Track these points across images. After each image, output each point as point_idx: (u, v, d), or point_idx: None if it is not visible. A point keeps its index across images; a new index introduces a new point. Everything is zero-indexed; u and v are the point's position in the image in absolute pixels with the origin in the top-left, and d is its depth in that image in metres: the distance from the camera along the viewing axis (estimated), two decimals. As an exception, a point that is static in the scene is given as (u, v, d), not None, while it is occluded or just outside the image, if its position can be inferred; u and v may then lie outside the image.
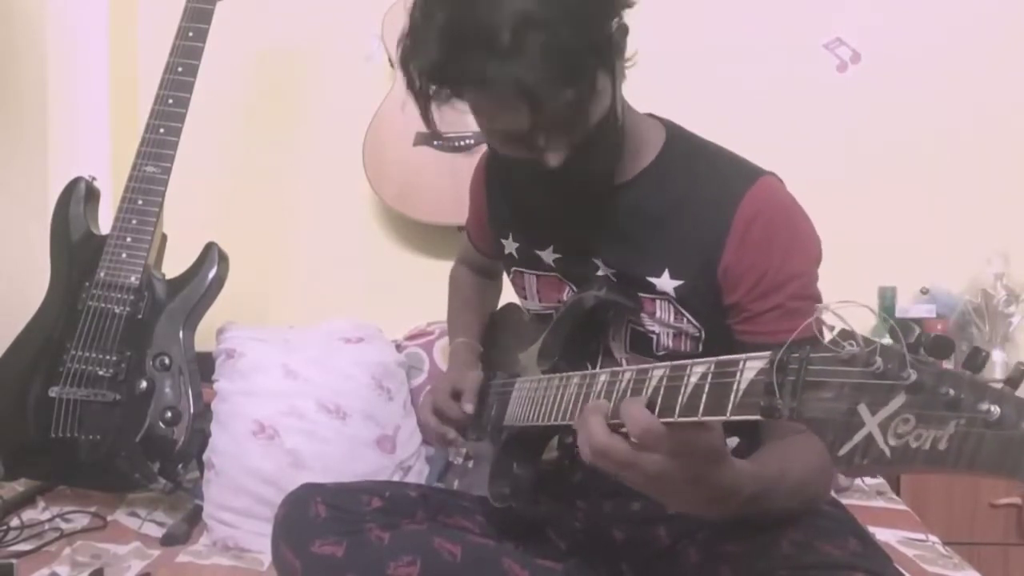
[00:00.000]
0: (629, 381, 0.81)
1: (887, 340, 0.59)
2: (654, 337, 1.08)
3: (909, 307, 2.04)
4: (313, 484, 1.19)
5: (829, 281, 1.06)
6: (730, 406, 0.69)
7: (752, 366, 0.68)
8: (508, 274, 1.27)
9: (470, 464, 1.29)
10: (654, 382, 0.78)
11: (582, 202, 1.09)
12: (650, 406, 0.76)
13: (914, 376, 0.55)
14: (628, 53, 0.99)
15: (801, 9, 2.16)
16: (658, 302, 1.06)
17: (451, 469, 1.35)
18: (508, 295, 1.39)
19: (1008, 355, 2.01)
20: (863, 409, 0.58)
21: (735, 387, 0.69)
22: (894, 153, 2.12)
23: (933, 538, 1.56)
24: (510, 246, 1.22)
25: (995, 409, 0.51)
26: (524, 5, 0.86)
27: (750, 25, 2.15)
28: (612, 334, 1.12)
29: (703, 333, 1.06)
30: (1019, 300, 2.01)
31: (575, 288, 1.15)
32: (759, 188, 1.01)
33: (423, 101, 0.95)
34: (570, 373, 0.96)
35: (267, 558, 1.33)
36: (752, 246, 1.00)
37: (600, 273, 1.10)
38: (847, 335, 0.60)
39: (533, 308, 1.23)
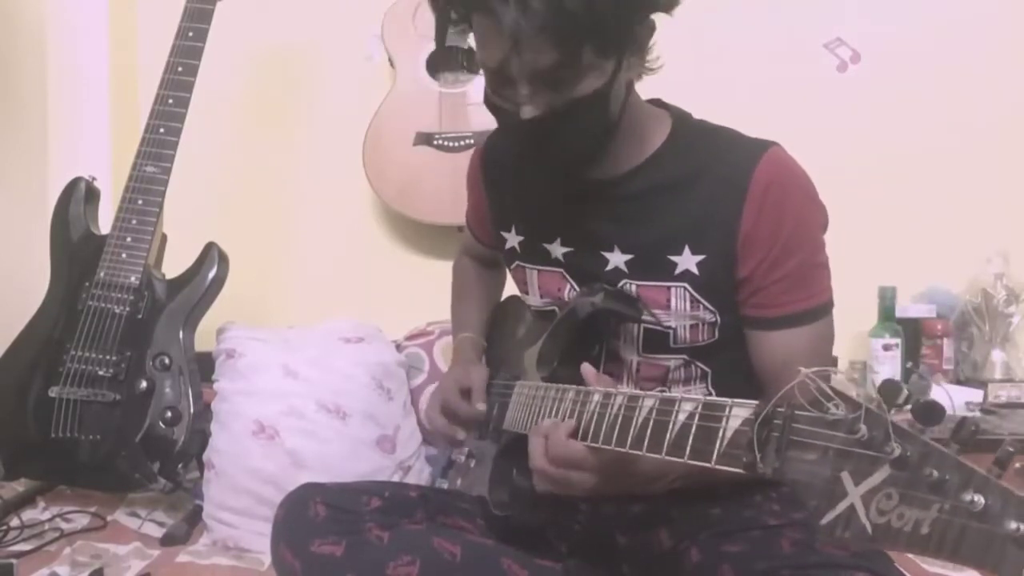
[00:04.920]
0: (620, 407, 0.83)
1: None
2: (670, 332, 1.08)
3: (909, 307, 2.04)
4: (313, 484, 1.18)
5: (829, 281, 1.06)
6: (715, 455, 0.69)
7: (738, 413, 0.68)
8: (509, 268, 1.26)
9: (472, 463, 1.29)
10: (644, 413, 0.79)
11: (589, 192, 1.09)
12: (581, 435, 0.87)
13: (897, 451, 0.54)
14: (655, 62, 1.02)
15: (801, 9, 2.16)
16: (674, 290, 1.06)
17: (454, 467, 1.34)
18: (512, 287, 1.39)
19: (1008, 355, 2.01)
20: (846, 477, 0.57)
21: (720, 435, 0.69)
22: (894, 153, 2.12)
23: (933, 538, 1.56)
24: (512, 239, 1.21)
25: (979, 499, 0.50)
26: None
27: (750, 25, 2.15)
28: (623, 336, 1.11)
29: (719, 317, 1.06)
30: (1019, 300, 2.01)
31: (576, 286, 1.14)
32: (770, 156, 1.02)
33: (439, 16, 0.98)
34: (566, 386, 0.96)
35: (267, 558, 1.33)
36: (769, 212, 1.00)
37: (610, 267, 1.09)
38: (831, 396, 0.59)
39: (534, 304, 1.22)
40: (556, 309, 1.16)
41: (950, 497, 0.51)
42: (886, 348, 1.93)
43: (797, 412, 0.61)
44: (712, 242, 1.03)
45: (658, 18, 0.99)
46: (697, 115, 1.12)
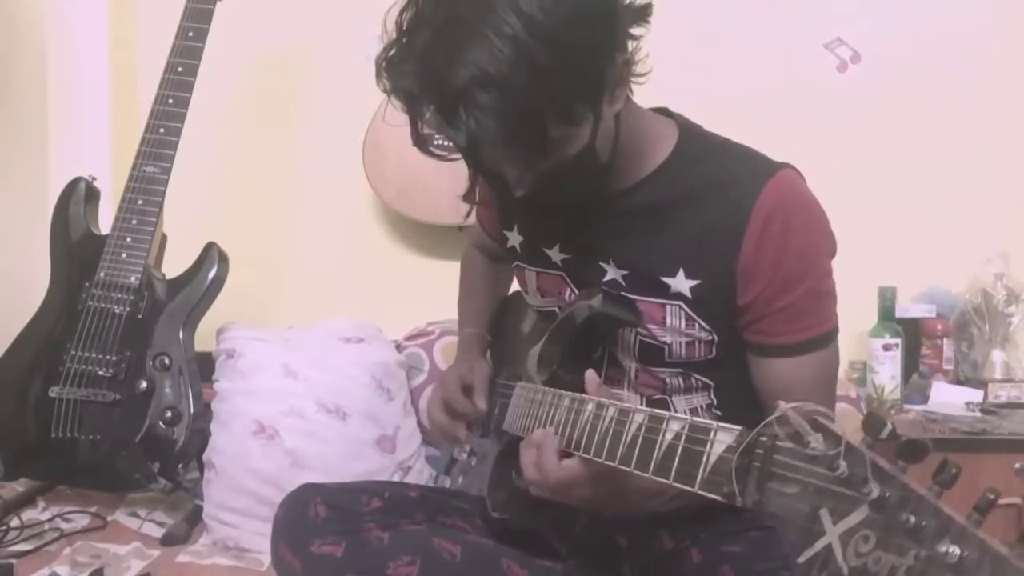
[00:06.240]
0: (611, 420, 0.83)
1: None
2: (665, 347, 1.06)
3: (909, 307, 2.04)
4: (313, 484, 1.18)
5: (829, 281, 1.06)
6: (698, 480, 0.68)
7: (722, 439, 0.67)
8: (511, 267, 1.26)
9: (473, 461, 1.29)
10: (633, 428, 0.79)
11: (590, 204, 1.07)
12: (574, 445, 0.87)
13: (876, 492, 0.52)
14: (644, 65, 0.98)
15: (801, 9, 2.16)
16: (669, 307, 1.03)
17: (456, 465, 1.34)
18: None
19: (1008, 355, 2.00)
20: (825, 515, 0.55)
21: (704, 459, 0.68)
22: (894, 153, 2.12)
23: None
24: (514, 239, 1.20)
25: (954, 551, 0.49)
26: (487, 64, 0.84)
27: (750, 25, 2.15)
28: (620, 343, 1.10)
29: (716, 336, 1.04)
30: (1019, 300, 2.00)
31: (576, 290, 1.13)
32: (777, 182, 0.98)
33: (405, 112, 0.95)
34: (563, 393, 0.96)
35: (267, 558, 1.34)
36: (771, 242, 0.97)
37: (608, 277, 1.08)
38: (809, 429, 0.58)
39: (534, 304, 1.22)
40: (556, 310, 1.16)
41: (926, 546, 0.50)
42: (886, 348, 1.93)
43: (778, 443, 0.60)
44: (708, 268, 1.01)
45: (656, 19, 0.98)
46: (697, 117, 1.09)
